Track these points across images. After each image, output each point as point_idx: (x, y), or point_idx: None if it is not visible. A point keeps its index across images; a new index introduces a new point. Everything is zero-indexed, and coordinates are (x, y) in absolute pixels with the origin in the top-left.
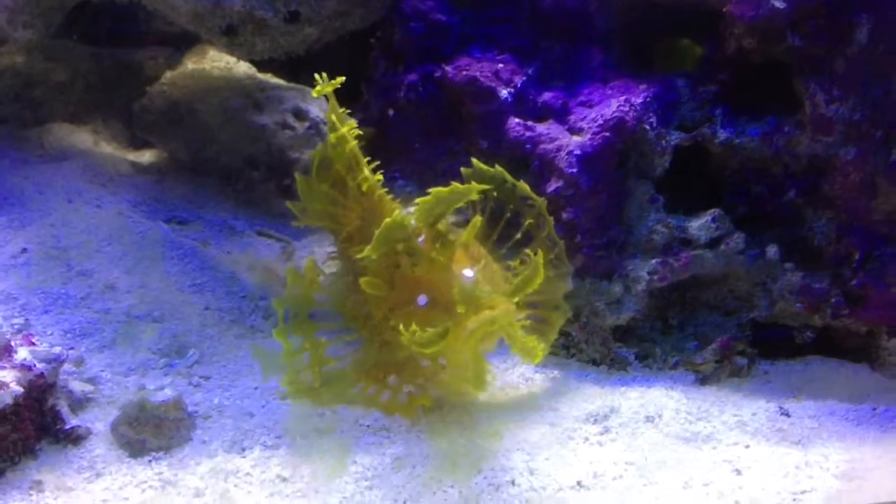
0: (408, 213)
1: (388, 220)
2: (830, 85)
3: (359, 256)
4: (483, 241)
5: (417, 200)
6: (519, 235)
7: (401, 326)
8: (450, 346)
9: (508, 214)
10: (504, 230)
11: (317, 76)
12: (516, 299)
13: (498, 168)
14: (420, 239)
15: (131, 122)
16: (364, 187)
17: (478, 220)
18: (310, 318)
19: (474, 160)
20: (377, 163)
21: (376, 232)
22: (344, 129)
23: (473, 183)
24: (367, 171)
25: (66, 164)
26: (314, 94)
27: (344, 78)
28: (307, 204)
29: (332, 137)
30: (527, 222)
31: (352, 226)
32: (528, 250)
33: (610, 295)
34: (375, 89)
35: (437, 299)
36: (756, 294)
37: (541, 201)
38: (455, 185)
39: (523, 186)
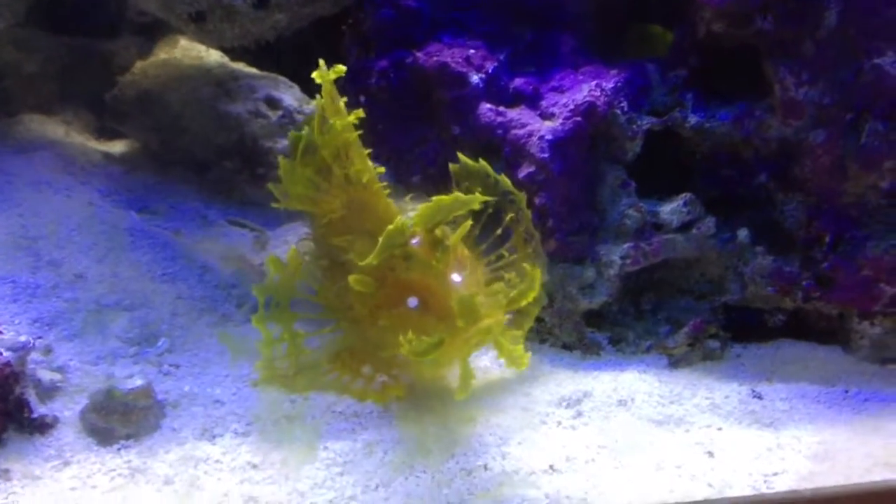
0: (407, 218)
1: (390, 227)
2: (800, 68)
3: (360, 264)
4: (465, 239)
5: (419, 207)
6: (499, 231)
7: (401, 338)
8: (443, 354)
9: (490, 210)
10: (487, 229)
11: (321, 62)
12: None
13: (482, 162)
14: (414, 241)
15: (102, 113)
16: (365, 178)
17: (468, 223)
18: (290, 308)
19: (460, 155)
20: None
21: (380, 239)
22: (351, 118)
23: (477, 194)
24: (368, 163)
25: (37, 155)
26: (317, 79)
27: (345, 68)
28: (288, 187)
29: (336, 124)
30: (508, 217)
31: (335, 214)
32: (526, 265)
33: (582, 280)
34: (347, 76)
35: (428, 303)
36: (727, 278)
37: (521, 196)
38: (457, 194)
39: (505, 181)
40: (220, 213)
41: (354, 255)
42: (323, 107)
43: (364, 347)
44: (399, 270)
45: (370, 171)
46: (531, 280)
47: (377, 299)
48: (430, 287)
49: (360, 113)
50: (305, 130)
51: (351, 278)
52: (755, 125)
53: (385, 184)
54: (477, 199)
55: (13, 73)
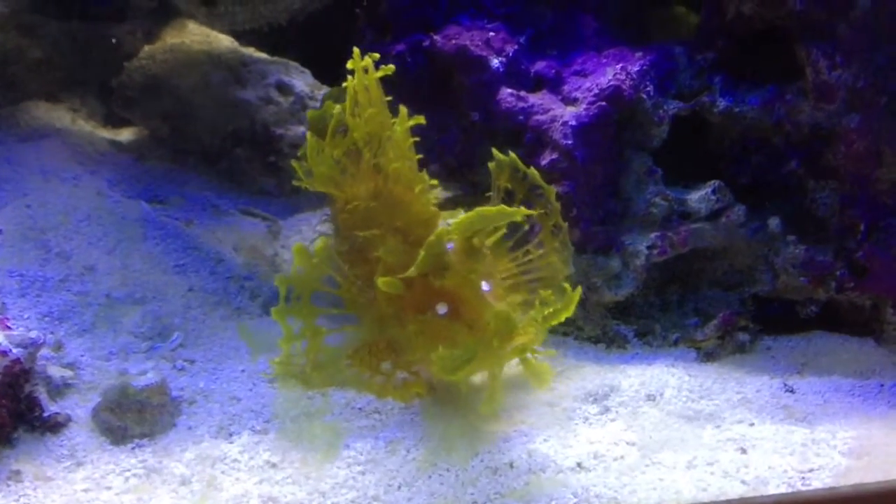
0: (446, 225)
1: (432, 239)
2: (833, 51)
3: (400, 277)
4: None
5: (459, 215)
6: (527, 227)
7: (432, 355)
8: (473, 369)
9: (517, 204)
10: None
11: (356, 51)
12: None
13: (512, 155)
14: (449, 245)
15: (109, 99)
16: (401, 174)
17: (501, 233)
18: (311, 302)
19: (494, 151)
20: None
21: (421, 252)
22: (411, 122)
23: (522, 207)
24: (407, 159)
25: (43, 143)
26: (349, 65)
27: (394, 67)
28: (314, 167)
29: (400, 128)
30: (537, 213)
31: (360, 202)
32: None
33: (608, 271)
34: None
35: (458, 311)
36: (758, 268)
37: (550, 189)
38: (502, 206)
39: (534, 174)
40: (232, 203)
41: (383, 253)
42: (355, 89)
43: (384, 344)
44: (433, 277)
45: (409, 168)
46: (568, 302)
47: (405, 301)
48: (461, 295)
49: (421, 119)
50: (337, 109)
51: (380, 281)
52: (786, 110)
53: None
54: (521, 213)
55: (18, 59)
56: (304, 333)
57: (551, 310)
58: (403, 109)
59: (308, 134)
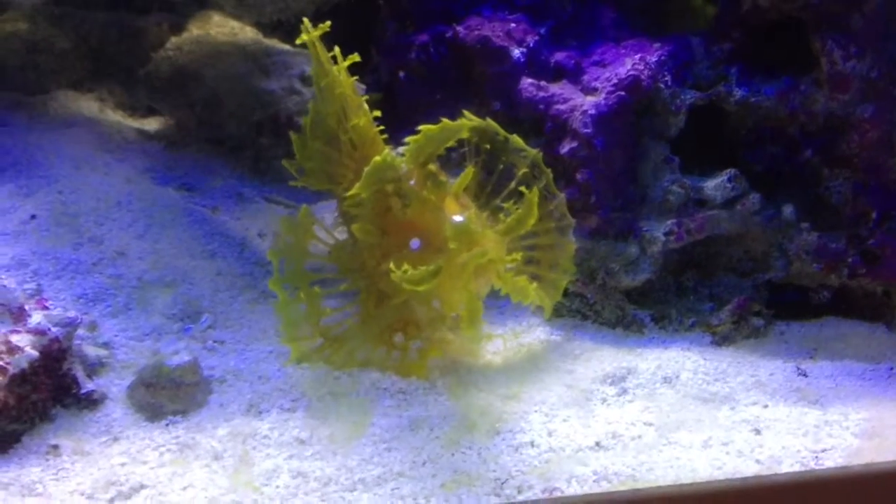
0: (398, 154)
1: (376, 158)
2: (847, 41)
3: (347, 195)
4: (477, 195)
5: (407, 139)
6: (512, 185)
7: (391, 265)
8: (442, 285)
9: (501, 167)
10: (499, 186)
11: (304, 21)
12: (508, 237)
13: (489, 121)
14: (411, 182)
15: (136, 90)
16: (362, 122)
17: (470, 170)
18: (306, 270)
19: (465, 112)
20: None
21: (365, 170)
22: (347, 62)
23: (463, 120)
24: (363, 112)
25: (73, 132)
26: (297, 41)
27: (330, 23)
28: (302, 163)
29: (321, 82)
30: (520, 172)
31: (347, 182)
32: (523, 188)
33: (625, 256)
34: (385, 52)
35: (429, 242)
36: (772, 255)
37: (534, 153)
38: (445, 121)
39: (515, 139)
40: (257, 191)
41: (356, 207)
42: (316, 73)
43: (386, 310)
44: (396, 210)
45: (366, 117)
46: (529, 205)
47: (383, 248)
48: (429, 225)
49: (356, 57)
50: (312, 103)
51: (354, 227)
52: (801, 100)
53: (381, 129)
54: (465, 125)
55: (47, 50)
56: (300, 297)
57: (513, 217)
58: (337, 49)
59: (290, 132)
